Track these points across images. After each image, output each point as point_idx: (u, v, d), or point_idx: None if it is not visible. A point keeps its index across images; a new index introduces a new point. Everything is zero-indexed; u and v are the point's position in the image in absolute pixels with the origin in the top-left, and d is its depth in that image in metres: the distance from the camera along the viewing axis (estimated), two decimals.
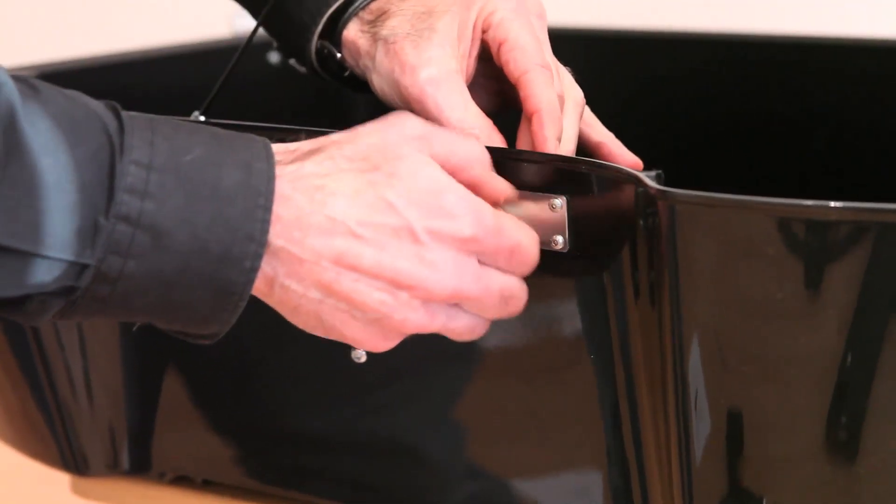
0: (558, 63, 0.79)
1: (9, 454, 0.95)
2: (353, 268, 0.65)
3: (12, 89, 0.60)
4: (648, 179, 0.68)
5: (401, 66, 0.76)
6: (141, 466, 0.90)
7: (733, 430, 0.69)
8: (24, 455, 0.94)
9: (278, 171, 0.65)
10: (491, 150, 0.73)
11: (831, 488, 0.69)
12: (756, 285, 0.66)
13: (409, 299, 0.67)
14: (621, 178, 0.69)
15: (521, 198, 0.71)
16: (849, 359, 0.66)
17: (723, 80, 1.07)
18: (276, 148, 0.67)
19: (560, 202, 0.71)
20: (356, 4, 0.80)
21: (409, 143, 0.68)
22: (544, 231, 0.71)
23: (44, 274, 0.61)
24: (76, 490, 0.94)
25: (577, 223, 0.71)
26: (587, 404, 0.74)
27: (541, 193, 0.71)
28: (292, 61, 0.87)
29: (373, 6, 0.79)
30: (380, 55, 0.78)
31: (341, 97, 1.18)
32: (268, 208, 0.64)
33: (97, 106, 0.63)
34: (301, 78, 0.86)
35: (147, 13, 1.64)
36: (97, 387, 0.89)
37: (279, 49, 0.90)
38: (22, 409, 0.92)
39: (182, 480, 0.91)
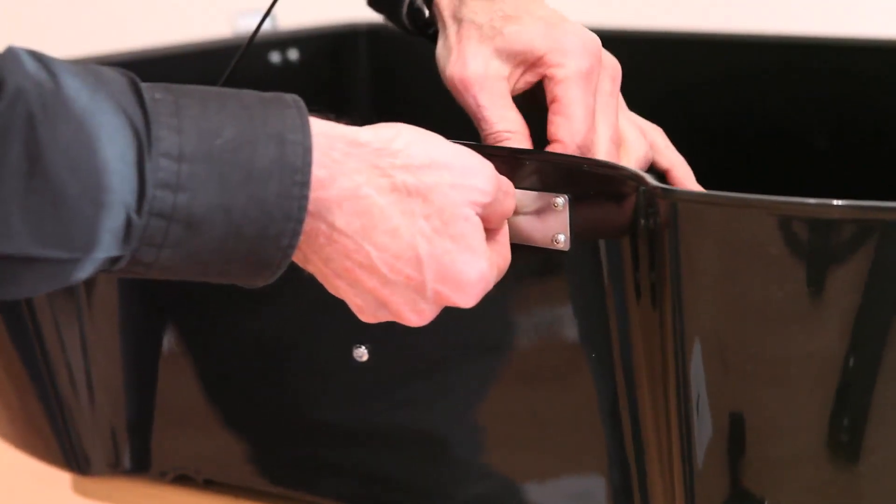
0: (636, 120, 0.82)
1: (10, 453, 0.95)
2: (353, 282, 0.66)
3: (31, 96, 0.58)
4: (650, 178, 0.68)
5: (458, 52, 0.78)
6: (142, 465, 0.90)
7: (735, 432, 0.69)
8: (26, 454, 0.94)
9: (329, 177, 0.64)
10: (494, 148, 0.73)
11: (833, 490, 0.69)
12: (758, 285, 0.66)
13: (383, 316, 0.68)
14: (623, 176, 0.69)
15: (524, 197, 0.71)
16: (851, 359, 0.66)
17: (723, 81, 1.07)
18: (338, 132, 0.65)
19: (562, 201, 0.71)
20: None
21: (473, 206, 0.67)
22: (546, 230, 0.71)
23: (78, 271, 0.60)
24: (77, 489, 0.94)
25: (578, 222, 0.71)
26: (588, 405, 0.74)
27: (543, 192, 0.71)
28: (382, 17, 0.88)
29: None
30: (451, 30, 0.80)
31: (342, 97, 1.18)
32: (305, 183, 0.62)
33: (119, 91, 0.61)
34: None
35: (148, 13, 1.64)
36: (98, 386, 0.88)
37: (370, 4, 0.89)
38: (23, 408, 0.92)
39: (183, 480, 0.90)
